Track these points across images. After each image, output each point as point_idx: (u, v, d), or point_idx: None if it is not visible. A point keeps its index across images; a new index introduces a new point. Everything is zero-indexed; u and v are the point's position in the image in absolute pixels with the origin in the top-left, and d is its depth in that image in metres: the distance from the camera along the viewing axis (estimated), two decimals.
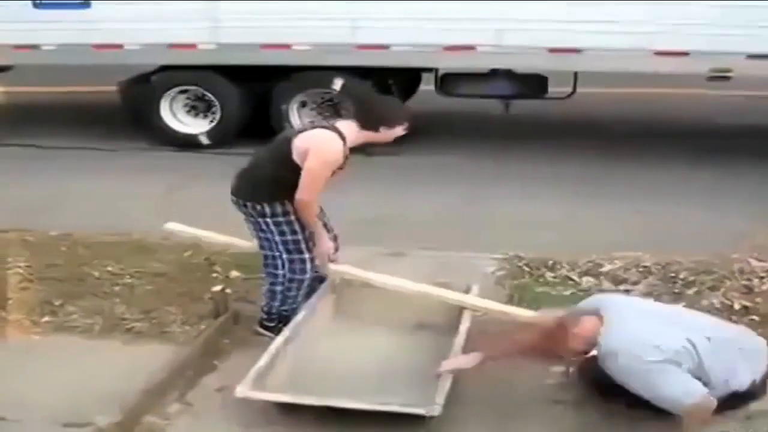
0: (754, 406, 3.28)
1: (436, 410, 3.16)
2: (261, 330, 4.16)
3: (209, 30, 7.51)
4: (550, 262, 4.87)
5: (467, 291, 4.17)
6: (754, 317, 4.15)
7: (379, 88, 7.58)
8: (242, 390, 3.33)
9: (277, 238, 3.92)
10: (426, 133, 8.21)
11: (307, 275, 4.01)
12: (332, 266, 4.13)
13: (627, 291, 4.48)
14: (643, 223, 5.66)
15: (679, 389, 2.99)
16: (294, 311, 4.02)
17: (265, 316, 4.17)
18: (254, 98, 7.85)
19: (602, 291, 4.43)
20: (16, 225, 5.55)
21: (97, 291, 4.68)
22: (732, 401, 3.14)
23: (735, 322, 3.96)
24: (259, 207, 3.87)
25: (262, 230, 3.97)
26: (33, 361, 3.96)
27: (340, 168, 3.82)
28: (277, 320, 4.10)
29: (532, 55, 7.05)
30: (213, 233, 4.62)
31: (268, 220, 3.89)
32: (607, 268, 4.78)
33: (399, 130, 3.85)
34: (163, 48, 7.62)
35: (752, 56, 6.65)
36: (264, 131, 7.23)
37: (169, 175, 6.98)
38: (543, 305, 4.30)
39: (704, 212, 5.81)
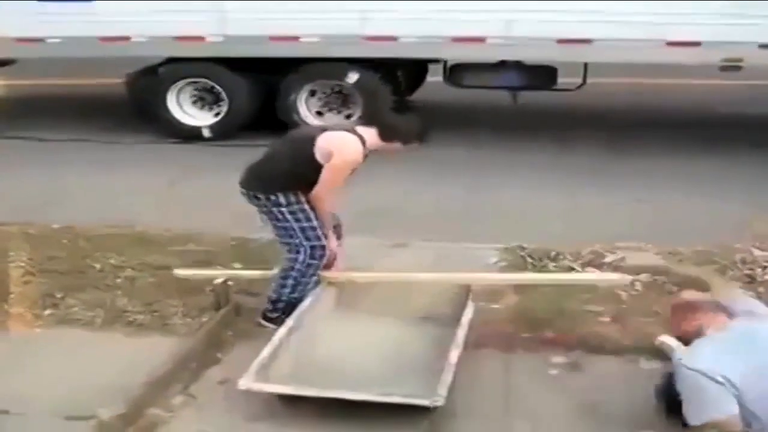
0: None
1: (439, 401, 3.16)
2: (264, 322, 4.17)
3: (217, 22, 7.48)
4: (553, 253, 4.86)
5: None
6: None
7: (387, 79, 7.57)
8: (245, 382, 3.33)
9: (295, 225, 4.02)
10: (432, 124, 8.20)
11: (324, 260, 4.11)
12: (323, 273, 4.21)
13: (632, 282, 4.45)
14: (645, 214, 5.66)
15: (710, 401, 2.90)
16: (301, 299, 4.05)
17: (270, 307, 4.18)
18: (262, 90, 7.84)
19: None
20: (17, 218, 5.55)
21: (98, 284, 4.68)
22: None
23: None
24: (273, 197, 3.97)
25: (278, 220, 4.04)
26: (35, 354, 3.96)
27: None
28: (281, 311, 4.10)
29: (542, 46, 7.02)
30: (224, 270, 4.58)
31: (284, 209, 3.99)
32: (609, 258, 4.77)
33: (412, 147, 4.10)
34: (170, 40, 7.60)
35: (764, 46, 6.63)
36: (269, 124, 7.28)
37: (172, 168, 6.97)
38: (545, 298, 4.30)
39: (707, 202, 5.80)
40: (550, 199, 5.99)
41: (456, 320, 3.81)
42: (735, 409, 2.87)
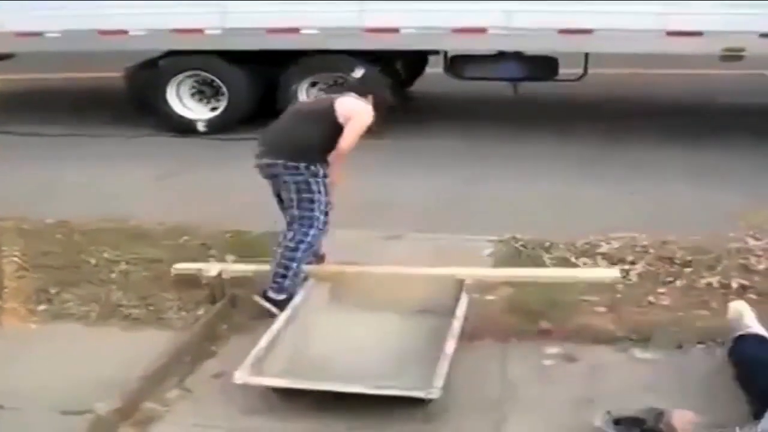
0: None
1: (434, 393, 3.17)
2: (264, 302, 4.14)
3: (216, 15, 7.44)
4: (547, 244, 4.85)
5: None
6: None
7: (387, 70, 7.54)
8: (241, 375, 3.34)
9: (323, 198, 4.18)
10: (430, 115, 8.21)
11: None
12: (308, 267, 4.28)
13: (625, 271, 4.46)
14: (640, 204, 5.64)
15: None
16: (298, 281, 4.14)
17: (275, 286, 4.16)
18: (262, 82, 7.79)
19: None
20: (11, 213, 5.52)
21: (93, 278, 4.67)
22: None
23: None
24: (313, 167, 4.13)
25: (309, 191, 4.14)
26: (30, 349, 3.96)
27: None
28: (287, 293, 4.11)
29: (542, 37, 6.96)
30: (221, 264, 4.55)
31: (319, 180, 4.16)
32: (604, 248, 4.76)
33: (383, 101, 4.45)
34: (169, 33, 7.55)
35: (765, 35, 6.59)
36: (268, 115, 7.23)
37: (167, 161, 6.94)
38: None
39: (701, 192, 5.79)
40: (545, 190, 5.98)
41: (450, 312, 3.81)
42: None
